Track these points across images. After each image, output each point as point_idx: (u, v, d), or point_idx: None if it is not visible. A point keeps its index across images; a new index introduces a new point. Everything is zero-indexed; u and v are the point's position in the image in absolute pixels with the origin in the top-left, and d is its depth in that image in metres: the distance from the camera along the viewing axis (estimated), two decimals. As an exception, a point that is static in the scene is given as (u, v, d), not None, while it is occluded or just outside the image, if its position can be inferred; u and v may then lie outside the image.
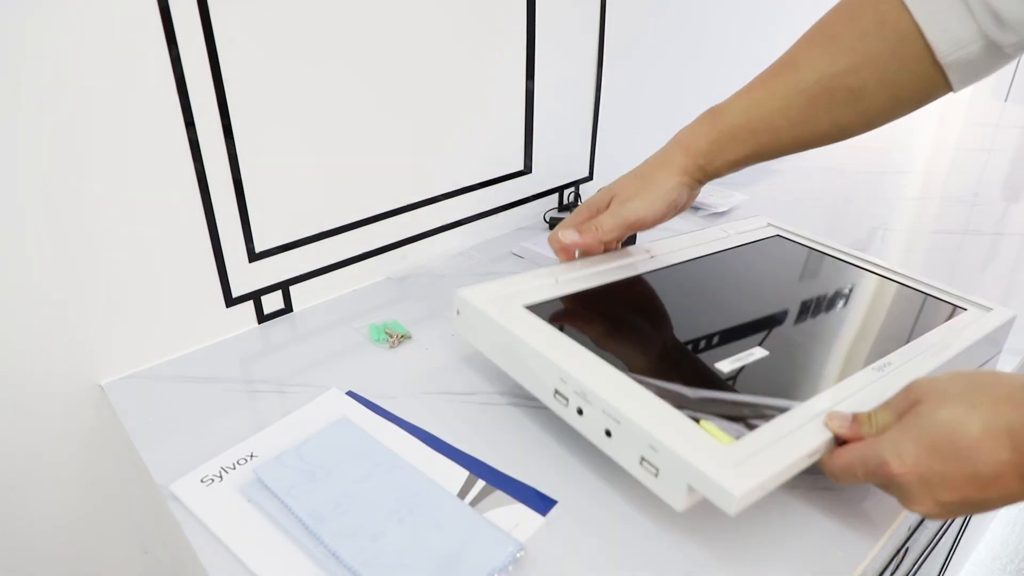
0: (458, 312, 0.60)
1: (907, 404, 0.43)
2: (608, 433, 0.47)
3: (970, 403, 0.40)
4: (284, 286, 0.72)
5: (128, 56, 0.54)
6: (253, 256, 0.68)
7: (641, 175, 0.63)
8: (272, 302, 0.71)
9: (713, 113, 0.61)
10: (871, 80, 0.52)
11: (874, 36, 0.51)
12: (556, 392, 0.51)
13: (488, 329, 0.57)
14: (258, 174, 0.65)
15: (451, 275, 0.80)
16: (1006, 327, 0.63)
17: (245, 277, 0.68)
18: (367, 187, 0.74)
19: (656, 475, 0.44)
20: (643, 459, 0.45)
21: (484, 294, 0.59)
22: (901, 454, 0.41)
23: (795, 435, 0.45)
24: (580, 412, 0.49)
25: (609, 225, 0.62)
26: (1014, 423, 0.38)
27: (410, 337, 0.69)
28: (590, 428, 0.49)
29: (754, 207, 0.96)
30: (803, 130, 0.56)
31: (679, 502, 0.43)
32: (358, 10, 0.66)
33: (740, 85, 0.60)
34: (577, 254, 0.67)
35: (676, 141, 0.62)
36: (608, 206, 0.63)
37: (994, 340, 0.63)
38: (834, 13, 0.55)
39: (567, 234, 0.63)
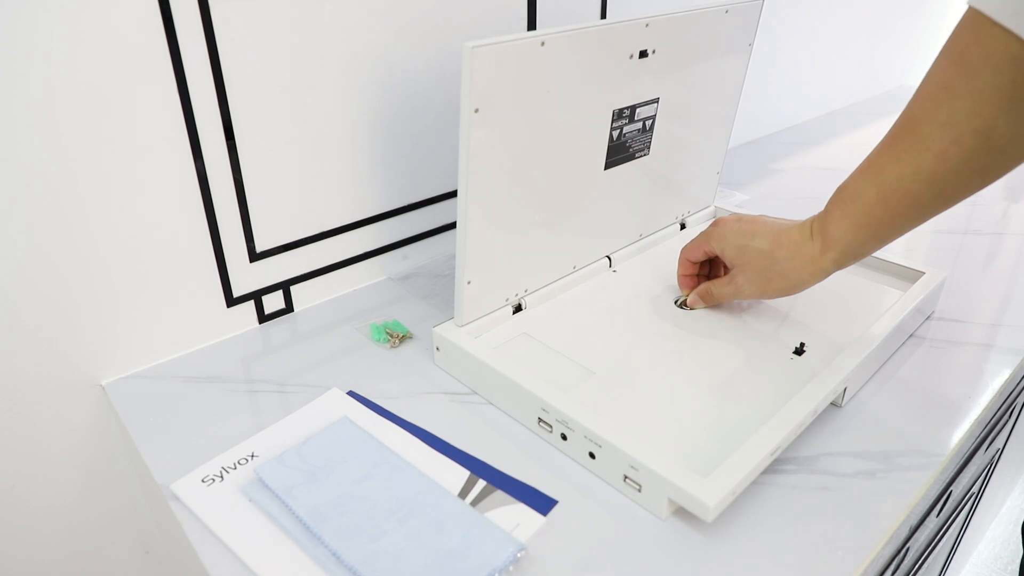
0: (438, 348, 0.63)
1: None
2: (592, 455, 0.51)
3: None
4: (285, 286, 0.72)
5: (129, 56, 0.54)
6: (254, 256, 0.68)
7: (775, 256, 0.61)
8: (273, 302, 0.71)
9: (840, 197, 0.56)
10: (998, 117, 0.47)
11: (987, 72, 0.47)
12: (540, 420, 0.54)
13: (468, 364, 0.60)
14: (259, 174, 0.65)
15: (451, 275, 0.80)
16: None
17: (246, 277, 0.68)
18: (367, 187, 0.74)
19: (639, 490, 0.48)
20: (626, 477, 0.49)
21: (461, 330, 0.62)
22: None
23: (755, 437, 0.49)
24: (564, 438, 0.53)
25: (723, 298, 0.68)
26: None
27: (411, 337, 0.69)
28: (575, 451, 0.53)
29: (754, 207, 0.96)
30: (942, 188, 0.51)
31: (662, 512, 0.48)
32: (358, 9, 0.66)
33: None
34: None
35: (815, 227, 0.58)
36: (724, 269, 0.68)
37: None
38: (941, 60, 0.50)
39: (693, 298, 0.70)
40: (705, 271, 0.71)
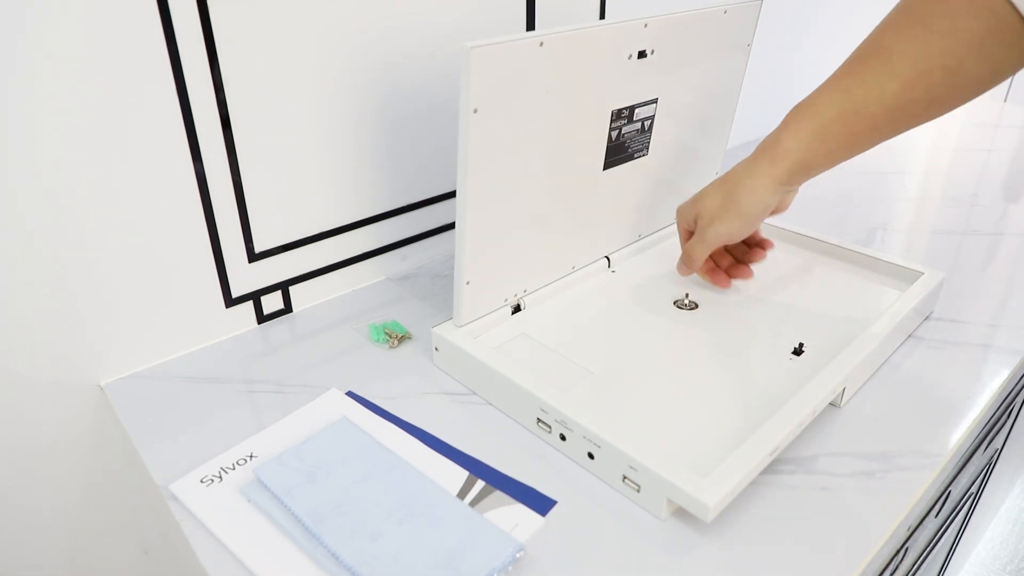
0: (437, 349, 0.63)
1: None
2: (591, 455, 0.51)
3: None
4: (284, 286, 0.72)
5: (128, 56, 0.54)
6: (253, 256, 0.68)
7: (726, 189, 0.63)
8: (272, 302, 0.71)
9: (800, 111, 0.58)
10: (968, 57, 0.51)
11: (966, 16, 0.50)
12: (539, 420, 0.54)
13: (467, 364, 0.60)
14: (258, 174, 0.65)
15: (450, 275, 0.80)
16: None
17: (245, 277, 0.68)
18: (366, 187, 0.74)
19: (638, 491, 0.48)
20: (625, 477, 0.49)
21: (460, 331, 0.62)
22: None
23: (754, 437, 0.49)
24: (563, 438, 0.53)
25: (699, 253, 0.67)
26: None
27: (410, 337, 0.69)
28: (574, 451, 0.53)
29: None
30: (900, 114, 0.55)
31: (661, 513, 0.48)
32: (357, 9, 0.66)
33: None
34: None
35: (763, 148, 0.60)
36: (696, 225, 0.67)
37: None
38: None
39: (681, 268, 0.70)
40: (725, 264, 0.72)
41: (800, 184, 0.62)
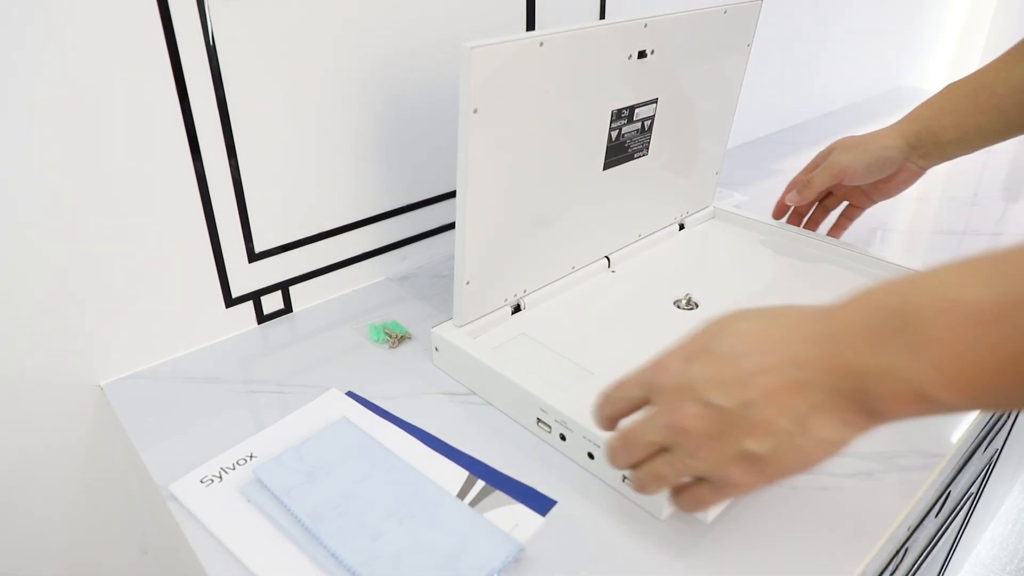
0: (436, 349, 0.63)
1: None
2: (591, 455, 0.51)
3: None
4: (284, 286, 0.72)
5: (128, 56, 0.54)
6: (253, 256, 0.68)
7: (864, 136, 0.70)
8: (272, 302, 0.71)
9: (946, 86, 0.66)
10: None
11: None
12: (539, 420, 0.54)
13: (467, 364, 0.60)
14: (258, 174, 0.65)
15: (450, 275, 0.80)
16: None
17: (245, 277, 0.68)
18: (366, 187, 0.74)
19: None
20: (625, 477, 0.48)
21: (460, 330, 0.62)
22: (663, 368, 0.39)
23: None
24: (563, 438, 0.53)
25: (820, 180, 0.72)
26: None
27: (410, 337, 0.69)
28: (574, 451, 0.53)
29: (754, 207, 0.96)
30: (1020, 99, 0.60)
31: (661, 513, 0.48)
32: (356, 9, 0.66)
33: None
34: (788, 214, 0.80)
35: (909, 113, 0.68)
36: (827, 158, 0.73)
37: None
38: None
39: (791, 196, 0.75)
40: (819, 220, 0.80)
41: (932, 159, 0.67)
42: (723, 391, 0.34)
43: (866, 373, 0.32)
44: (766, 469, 0.35)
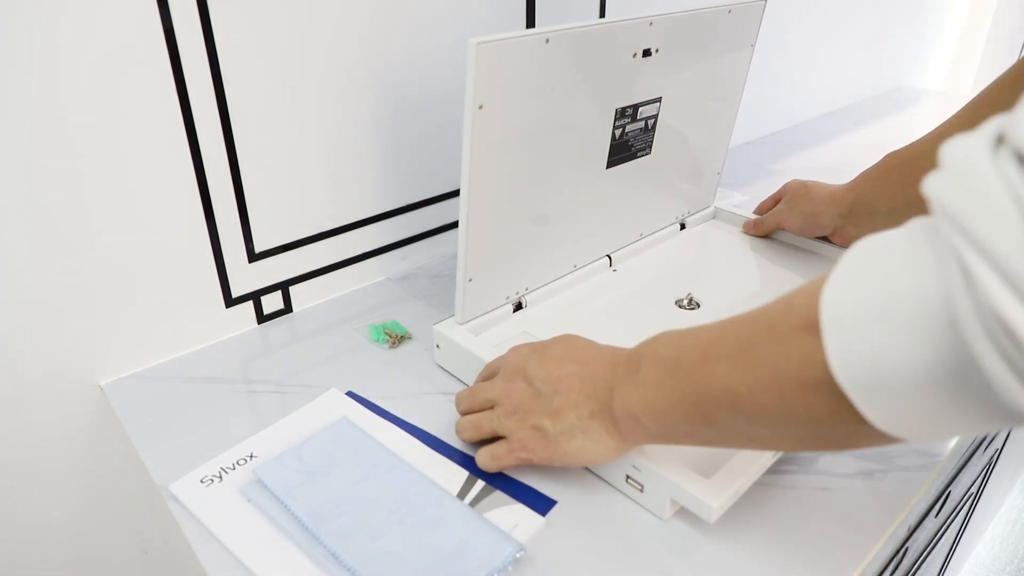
0: (438, 346, 0.62)
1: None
2: None
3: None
4: (284, 286, 0.72)
5: (128, 56, 0.54)
6: (253, 256, 0.68)
7: (811, 188, 0.76)
8: (272, 302, 0.71)
9: (885, 156, 0.67)
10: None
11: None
12: None
13: (468, 361, 0.60)
14: (258, 174, 0.65)
15: (451, 275, 0.80)
16: None
17: (245, 277, 0.68)
18: (366, 187, 0.74)
19: (641, 490, 0.48)
20: (628, 477, 0.49)
21: (461, 328, 0.62)
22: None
23: None
24: None
25: (768, 223, 0.79)
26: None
27: (410, 337, 0.68)
28: None
29: (755, 207, 0.96)
30: None
31: (664, 513, 0.48)
32: (357, 8, 0.66)
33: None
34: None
35: (853, 179, 0.71)
36: (777, 202, 0.81)
37: None
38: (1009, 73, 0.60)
39: (748, 227, 0.83)
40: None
41: (865, 228, 0.68)
42: (543, 381, 0.47)
43: (613, 397, 0.44)
44: (550, 445, 0.47)
